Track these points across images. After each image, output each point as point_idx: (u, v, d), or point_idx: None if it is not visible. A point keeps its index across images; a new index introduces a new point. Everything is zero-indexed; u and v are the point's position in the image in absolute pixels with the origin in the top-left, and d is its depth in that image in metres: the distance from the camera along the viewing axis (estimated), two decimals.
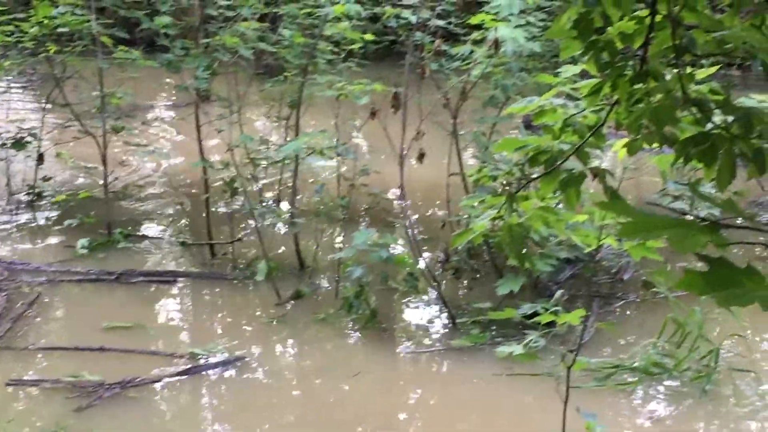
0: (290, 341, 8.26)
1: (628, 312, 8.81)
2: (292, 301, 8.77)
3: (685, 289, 2.08)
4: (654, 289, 8.69)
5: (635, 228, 2.18)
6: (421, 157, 9.00)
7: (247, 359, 7.70)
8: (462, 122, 9.44)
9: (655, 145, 3.64)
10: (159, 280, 9.17)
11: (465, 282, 9.24)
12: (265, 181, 10.35)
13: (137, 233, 10.39)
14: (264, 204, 9.92)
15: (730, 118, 3.34)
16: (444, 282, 9.00)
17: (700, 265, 2.15)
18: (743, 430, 6.93)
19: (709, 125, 3.36)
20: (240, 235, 10.01)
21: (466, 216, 8.62)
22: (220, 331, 8.32)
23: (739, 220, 3.22)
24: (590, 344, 7.86)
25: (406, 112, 8.64)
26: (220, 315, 8.77)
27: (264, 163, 9.61)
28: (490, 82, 9.09)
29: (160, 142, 13.64)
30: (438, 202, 11.02)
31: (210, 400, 7.24)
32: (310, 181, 9.73)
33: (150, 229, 10.68)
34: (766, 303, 1.97)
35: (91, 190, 11.10)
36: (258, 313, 8.61)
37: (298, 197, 9.76)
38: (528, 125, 11.20)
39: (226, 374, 7.51)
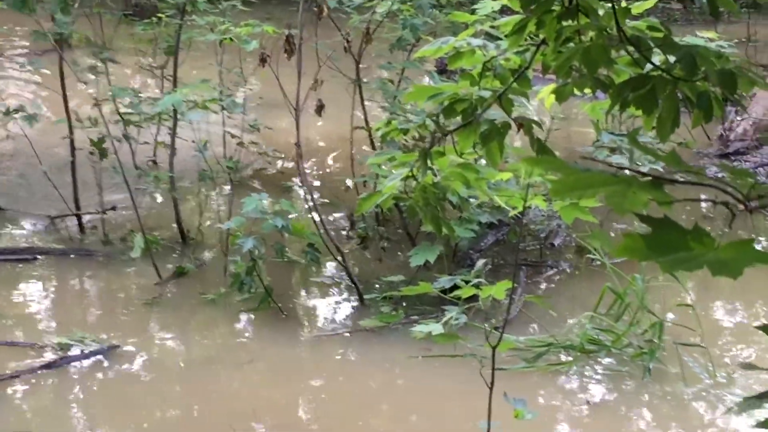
0: (172, 326, 8.20)
1: (559, 282, 8.91)
2: (174, 280, 8.71)
3: (625, 256, 2.09)
4: (589, 256, 8.79)
5: (568, 185, 2.18)
6: (320, 109, 8.97)
7: (122, 348, 7.62)
8: (366, 68, 9.42)
9: (587, 90, 3.67)
10: (16, 259, 9.02)
11: (374, 253, 9.25)
12: (139, 141, 10.22)
13: None
14: (138, 168, 9.79)
15: (672, 59, 3.38)
16: (349, 253, 9.00)
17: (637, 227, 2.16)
18: (693, 412, 7.06)
19: (649, 67, 3.39)
20: (111, 205, 9.89)
21: (373, 177, 8.62)
22: (89, 316, 8.24)
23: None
24: (518, 320, 7.93)
25: (302, 57, 8.59)
26: (89, 298, 8.68)
27: (137, 119, 9.49)
28: (398, 21, 9.07)
29: (13, 98, 13.38)
30: (341, 162, 11.01)
31: (79, 397, 7.17)
32: (191, 140, 9.61)
33: (4, 198, 10.49)
34: (715, 267, 1.99)
35: None
36: (134, 294, 8.53)
37: (177, 159, 9.66)
38: (442, 70, 11.23)
39: (98, 366, 7.44)
